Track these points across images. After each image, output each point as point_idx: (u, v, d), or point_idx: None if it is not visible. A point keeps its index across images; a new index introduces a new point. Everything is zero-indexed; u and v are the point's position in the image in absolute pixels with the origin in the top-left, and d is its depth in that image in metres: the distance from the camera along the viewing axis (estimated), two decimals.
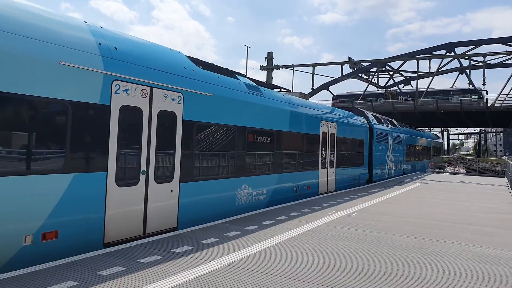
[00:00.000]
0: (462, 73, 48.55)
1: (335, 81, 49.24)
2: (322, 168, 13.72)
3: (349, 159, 16.36)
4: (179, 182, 7.40)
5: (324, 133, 13.84)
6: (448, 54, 44.92)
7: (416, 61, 45.52)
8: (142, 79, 6.63)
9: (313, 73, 47.32)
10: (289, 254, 5.92)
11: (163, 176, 7.06)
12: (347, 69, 48.27)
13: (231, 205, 8.91)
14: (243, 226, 7.70)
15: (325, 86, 50.10)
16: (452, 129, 77.69)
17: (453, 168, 36.87)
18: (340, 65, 47.89)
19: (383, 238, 7.22)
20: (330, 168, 14.51)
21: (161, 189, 7.00)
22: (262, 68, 47.44)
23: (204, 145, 8.09)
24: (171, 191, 7.23)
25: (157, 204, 6.92)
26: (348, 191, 14.97)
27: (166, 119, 7.14)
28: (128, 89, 6.37)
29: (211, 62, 9.90)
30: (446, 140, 76.62)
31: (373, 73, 50.98)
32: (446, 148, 73.83)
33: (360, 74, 50.89)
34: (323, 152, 13.81)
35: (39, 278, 4.47)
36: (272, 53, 47.64)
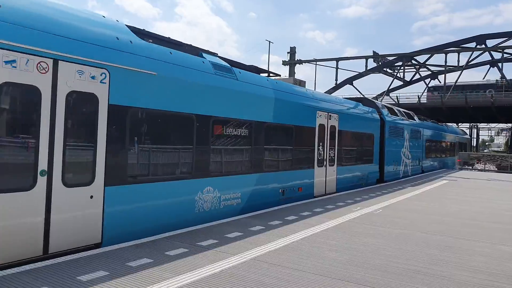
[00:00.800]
0: (493, 66, 46.85)
1: (360, 75, 48.51)
2: (318, 166, 11.81)
3: (354, 156, 14.41)
4: (104, 186, 5.72)
5: (321, 125, 11.94)
6: (478, 46, 43.42)
7: (444, 55, 44.20)
8: (40, 48, 5.02)
9: (337, 68, 46.76)
10: (314, 249, 5.90)
11: (76, 178, 5.43)
12: (371, 64, 47.47)
13: (187, 213, 7.22)
14: (266, 221, 7.72)
15: (349, 81, 49.41)
16: (481, 125, 75.16)
17: (483, 165, 35.68)
18: (364, 60, 47.14)
19: (410, 236, 7.09)
20: (330, 166, 12.55)
21: (73, 195, 5.36)
22: (284, 63, 47.23)
23: (145, 137, 6.45)
24: (91, 197, 5.57)
25: (67, 215, 5.30)
26: (372, 188, 14.74)
27: (82, 102, 5.50)
28: (14, 61, 4.81)
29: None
30: (475, 136, 74.12)
31: (398, 68, 49.86)
32: (475, 144, 71.45)
33: (385, 69, 49.90)
34: (320, 147, 11.91)
35: (71, 268, 4.63)
36: (294, 47, 47.35)
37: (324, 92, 16.18)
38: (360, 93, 49.08)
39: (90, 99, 5.58)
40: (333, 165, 12.77)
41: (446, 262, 5.59)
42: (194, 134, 7.35)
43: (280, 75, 11.90)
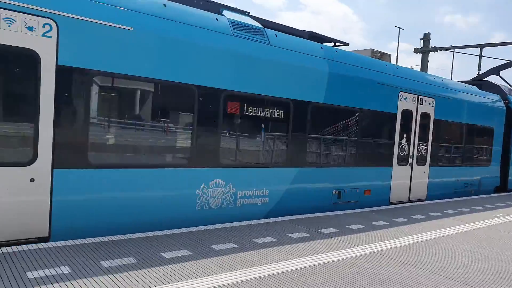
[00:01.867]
0: None
1: (509, 64, 41.86)
2: (400, 165, 9.29)
3: (460, 155, 11.27)
4: (52, 168, 4.70)
5: (406, 111, 9.32)
6: None
7: None
8: None
9: (481, 55, 41.13)
10: (443, 252, 5.49)
11: (9, 156, 4.50)
12: None
13: (184, 210, 5.88)
14: (390, 217, 7.43)
15: (495, 71, 42.72)
16: None
17: None
18: None
19: None
20: (419, 165, 9.83)
21: (5, 176, 4.44)
22: (416, 50, 43.52)
23: (117, 111, 5.35)
24: (32, 180, 4.59)
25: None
26: (488, 197, 12.73)
27: (9, 60, 4.44)
28: None
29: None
30: None
31: None
32: None
33: None
34: (404, 140, 9.38)
35: (207, 237, 5.26)
36: (429, 33, 42.68)
37: None
38: (509, 84, 42.38)
39: (26, 57, 4.46)
40: (424, 165, 10.00)
41: None
42: (195, 111, 5.89)
43: (348, 44, 9.25)
